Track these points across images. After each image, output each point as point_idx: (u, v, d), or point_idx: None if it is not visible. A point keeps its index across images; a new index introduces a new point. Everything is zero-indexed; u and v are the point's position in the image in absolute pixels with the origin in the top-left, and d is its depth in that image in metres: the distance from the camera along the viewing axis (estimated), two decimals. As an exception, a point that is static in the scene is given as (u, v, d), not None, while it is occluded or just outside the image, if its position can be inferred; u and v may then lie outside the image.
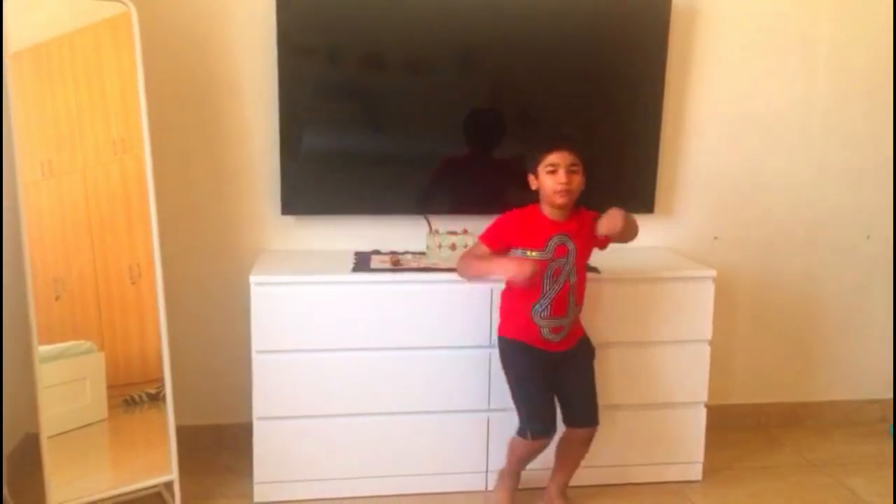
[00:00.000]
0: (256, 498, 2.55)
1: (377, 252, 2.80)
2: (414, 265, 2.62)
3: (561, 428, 2.44)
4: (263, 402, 2.49)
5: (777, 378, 3.24)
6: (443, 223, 2.72)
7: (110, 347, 2.42)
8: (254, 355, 2.47)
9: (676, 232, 3.05)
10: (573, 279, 2.33)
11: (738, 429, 3.17)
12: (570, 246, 2.32)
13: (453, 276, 2.53)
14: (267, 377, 2.48)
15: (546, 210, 2.34)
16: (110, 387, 2.43)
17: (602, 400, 2.64)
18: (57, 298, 2.33)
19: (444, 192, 2.84)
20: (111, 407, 2.44)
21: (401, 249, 2.80)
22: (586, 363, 2.46)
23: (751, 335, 3.18)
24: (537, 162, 2.30)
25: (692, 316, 2.65)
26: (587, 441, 2.47)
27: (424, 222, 2.75)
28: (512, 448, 2.46)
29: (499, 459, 2.61)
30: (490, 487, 2.64)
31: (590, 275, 2.56)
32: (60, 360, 2.33)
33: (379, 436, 2.56)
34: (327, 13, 2.67)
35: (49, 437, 2.25)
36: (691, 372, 2.68)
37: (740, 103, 3.00)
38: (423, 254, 2.71)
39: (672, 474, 2.74)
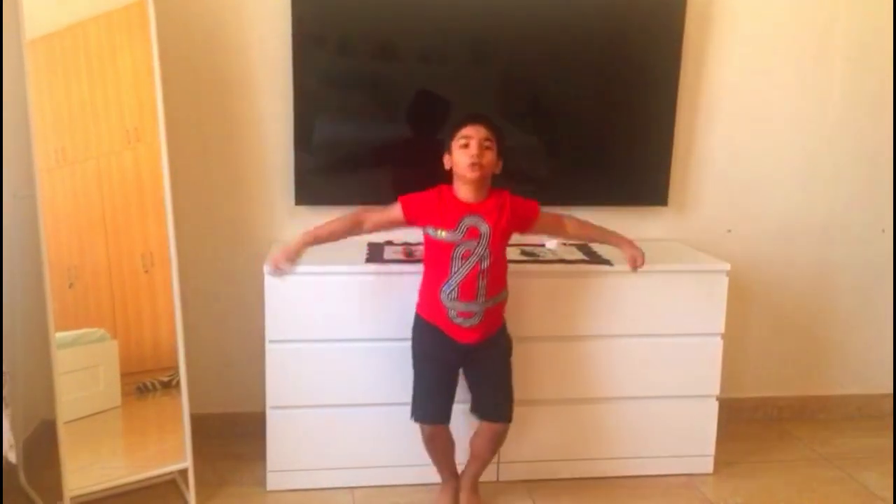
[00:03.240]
0: (269, 486, 2.56)
1: (390, 243, 2.80)
2: (427, 256, 2.62)
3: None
4: (277, 391, 2.50)
5: (789, 371, 3.23)
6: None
7: (123, 335, 2.43)
8: (267, 345, 2.48)
9: (690, 225, 3.03)
10: (485, 263, 2.23)
11: (749, 422, 3.17)
12: (484, 228, 2.23)
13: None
14: (280, 366, 2.49)
15: (460, 190, 2.26)
16: (123, 374, 2.44)
17: (615, 392, 2.65)
18: (71, 286, 2.34)
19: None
20: (124, 394, 2.45)
21: (413, 240, 2.80)
22: (500, 356, 2.39)
23: (763, 328, 3.17)
24: (451, 138, 2.25)
25: (705, 309, 2.64)
26: (495, 437, 2.40)
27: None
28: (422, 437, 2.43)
29: (510, 450, 2.62)
30: (501, 478, 2.65)
31: (603, 267, 2.56)
32: (74, 348, 2.35)
33: (391, 425, 2.56)
34: (341, 4, 2.67)
35: (64, 424, 2.27)
36: (703, 365, 2.68)
37: (755, 95, 2.98)
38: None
39: (683, 467, 2.74)
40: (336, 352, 2.51)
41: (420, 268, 2.51)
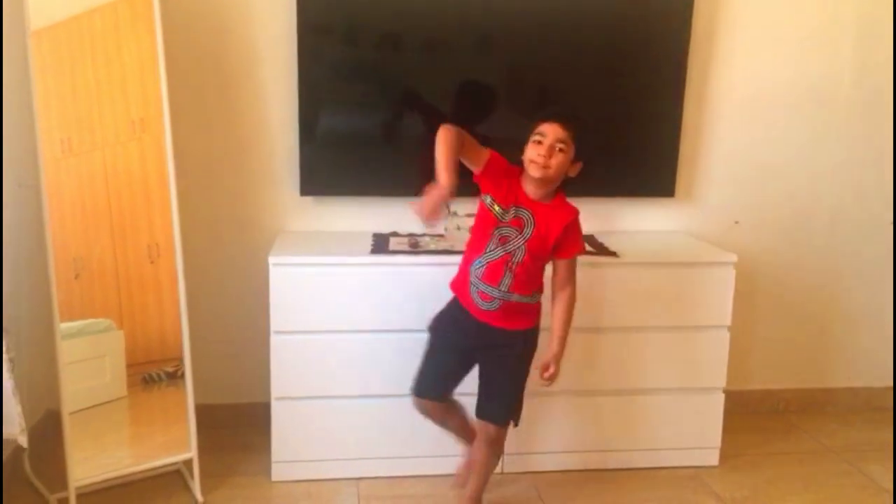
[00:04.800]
0: (274, 476, 2.57)
1: (395, 234, 2.79)
2: (432, 247, 2.61)
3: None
4: (281, 382, 2.50)
5: (796, 364, 3.22)
6: (461, 205, 2.70)
7: (129, 326, 2.44)
8: (272, 335, 2.48)
9: (697, 216, 3.02)
10: (517, 257, 2.12)
11: (756, 414, 3.16)
12: (529, 225, 2.12)
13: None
14: (285, 357, 2.49)
15: (526, 181, 2.14)
16: (128, 365, 2.45)
17: (621, 384, 2.64)
18: (76, 277, 2.34)
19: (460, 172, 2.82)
20: (130, 385, 2.46)
21: (419, 231, 2.80)
22: (515, 357, 2.24)
23: (770, 320, 3.15)
24: (531, 130, 2.12)
25: (712, 301, 2.63)
26: (486, 440, 2.27)
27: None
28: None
29: (516, 442, 2.61)
30: (505, 470, 2.65)
31: (609, 259, 2.56)
32: (80, 338, 2.35)
33: (396, 417, 2.56)
34: (347, -7, 2.66)
35: (69, 414, 2.27)
36: (710, 357, 2.67)
37: (763, 86, 2.96)
38: (441, 236, 2.70)
39: (689, 459, 2.74)
40: (341, 343, 2.51)
41: (426, 258, 2.52)
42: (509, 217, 2.13)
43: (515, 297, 2.16)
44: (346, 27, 2.68)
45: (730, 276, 2.62)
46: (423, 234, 2.75)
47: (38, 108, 2.18)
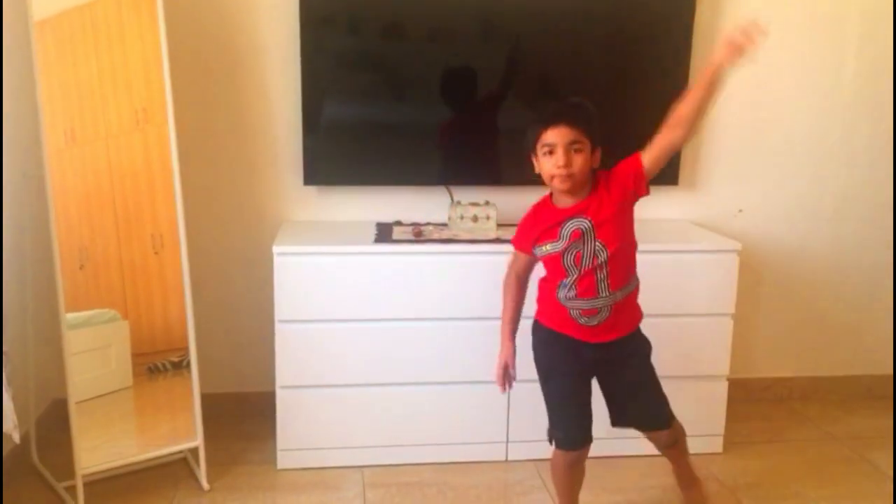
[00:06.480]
0: (280, 465, 2.58)
1: (399, 223, 2.80)
2: (436, 236, 2.62)
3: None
4: (286, 371, 2.51)
5: (800, 351, 3.22)
6: (465, 194, 2.71)
7: (134, 316, 2.45)
8: (277, 325, 2.48)
9: (701, 205, 3.02)
10: (602, 256, 1.97)
11: (759, 402, 3.16)
12: (585, 226, 1.96)
13: (475, 247, 2.53)
14: (290, 346, 2.50)
15: (556, 197, 2.01)
16: (134, 355, 2.46)
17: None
18: (81, 267, 2.35)
19: (463, 161, 2.83)
20: (135, 374, 2.47)
21: (423, 220, 2.80)
22: (641, 361, 2.16)
23: (774, 308, 3.15)
24: (534, 142, 1.95)
25: (716, 289, 2.63)
26: (666, 445, 2.24)
27: (446, 193, 2.75)
28: (552, 464, 2.19)
29: (519, 429, 2.62)
30: (510, 457, 2.65)
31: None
32: (85, 328, 2.36)
33: (400, 405, 2.58)
34: (349, -18, 2.65)
35: (76, 403, 2.28)
36: (714, 345, 2.67)
37: (767, 74, 2.94)
38: (445, 225, 2.71)
39: (693, 446, 2.69)
40: (345, 332, 2.52)
41: (430, 248, 2.52)
42: (566, 239, 1.98)
43: (620, 294, 2.04)
44: (348, 16, 2.68)
45: (733, 264, 2.62)
46: (427, 223, 2.76)
47: (41, 99, 2.18)
